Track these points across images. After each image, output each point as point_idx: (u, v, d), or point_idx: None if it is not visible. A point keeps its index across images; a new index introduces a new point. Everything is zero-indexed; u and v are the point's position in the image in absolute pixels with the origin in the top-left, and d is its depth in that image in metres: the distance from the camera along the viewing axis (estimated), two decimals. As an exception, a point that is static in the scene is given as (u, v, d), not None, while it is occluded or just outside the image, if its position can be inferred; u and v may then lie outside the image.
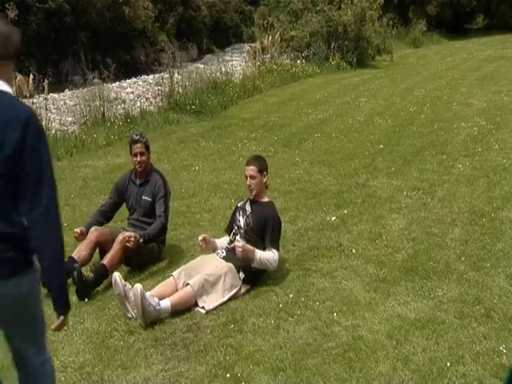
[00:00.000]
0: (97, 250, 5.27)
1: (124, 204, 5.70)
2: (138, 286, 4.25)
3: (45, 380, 2.94)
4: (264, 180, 4.99)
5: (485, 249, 5.26)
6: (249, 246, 4.68)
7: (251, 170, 4.96)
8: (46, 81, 11.56)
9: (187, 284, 4.53)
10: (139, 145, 5.44)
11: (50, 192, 2.57)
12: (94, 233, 5.17)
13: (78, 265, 4.88)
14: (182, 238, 5.88)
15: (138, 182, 5.56)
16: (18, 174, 2.51)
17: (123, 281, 4.38)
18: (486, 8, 36.12)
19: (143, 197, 5.49)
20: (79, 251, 5.07)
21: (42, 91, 11.52)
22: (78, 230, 5.27)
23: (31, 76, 11.18)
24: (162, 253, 5.51)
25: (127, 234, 5.10)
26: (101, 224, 5.48)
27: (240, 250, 4.60)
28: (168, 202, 5.54)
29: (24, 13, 23.10)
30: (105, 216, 5.59)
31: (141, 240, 5.12)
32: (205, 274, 4.60)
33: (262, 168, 4.98)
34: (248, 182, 5.00)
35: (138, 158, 5.44)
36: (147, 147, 5.49)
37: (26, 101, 10.98)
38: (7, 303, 2.67)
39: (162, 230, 5.43)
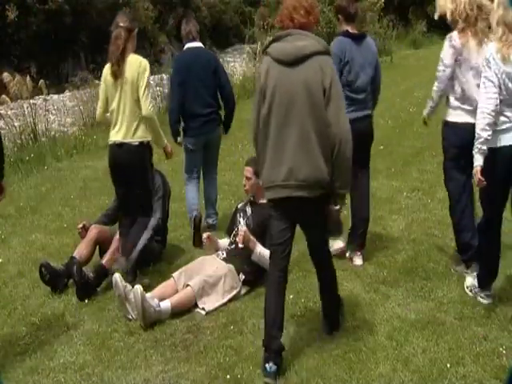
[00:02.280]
0: (96, 252, 5.28)
1: None
2: (139, 288, 4.24)
3: None
4: (260, 183, 4.96)
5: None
6: (251, 236, 4.67)
7: (247, 170, 4.97)
8: (40, 81, 11.50)
9: (187, 285, 4.53)
10: None
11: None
12: (93, 230, 5.20)
13: (77, 260, 4.90)
14: (182, 239, 5.88)
15: None
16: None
17: (124, 282, 4.38)
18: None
19: None
20: (80, 250, 5.09)
21: (41, 92, 11.52)
22: (80, 224, 5.35)
23: (28, 77, 11.14)
24: (162, 254, 5.51)
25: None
26: (104, 224, 5.51)
27: (242, 234, 4.60)
28: (166, 202, 5.56)
29: (24, 14, 23.08)
30: (109, 218, 5.63)
31: None
32: (205, 276, 4.60)
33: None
34: (243, 182, 5.03)
35: None
36: None
37: (25, 102, 11.00)
38: (218, 140, 6.08)
39: (155, 228, 5.42)
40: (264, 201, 5.08)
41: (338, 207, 3.76)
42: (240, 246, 4.66)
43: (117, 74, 4.73)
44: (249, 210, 5.03)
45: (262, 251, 4.71)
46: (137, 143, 4.82)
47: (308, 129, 3.53)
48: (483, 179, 3.86)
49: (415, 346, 3.86)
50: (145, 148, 4.89)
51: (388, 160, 8.24)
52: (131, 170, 4.88)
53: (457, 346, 3.82)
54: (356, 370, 3.64)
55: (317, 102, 3.51)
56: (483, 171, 3.88)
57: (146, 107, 4.74)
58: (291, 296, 4.61)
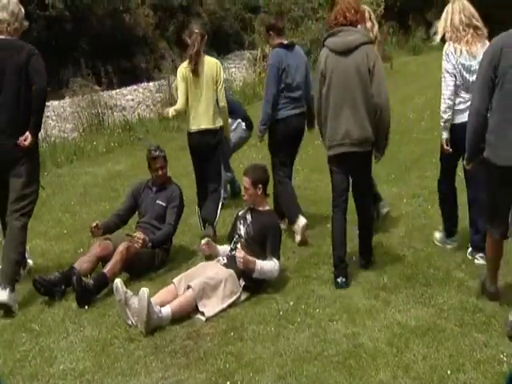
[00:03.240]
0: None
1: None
2: (146, 291, 4.22)
3: None
4: (258, 192, 4.98)
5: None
6: (249, 257, 4.67)
7: (245, 181, 4.98)
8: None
9: (188, 286, 4.51)
10: (158, 160, 5.62)
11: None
12: (97, 248, 5.19)
13: (77, 271, 4.89)
14: (182, 245, 5.88)
15: (154, 188, 5.71)
16: None
17: (124, 288, 4.38)
18: (487, 15, 36.16)
19: (157, 201, 5.62)
20: (80, 263, 5.07)
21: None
22: (94, 223, 5.34)
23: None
24: (165, 262, 5.51)
25: (137, 234, 5.16)
26: (116, 225, 5.60)
27: (241, 260, 4.60)
28: (180, 213, 5.67)
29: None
30: (121, 219, 5.69)
31: (149, 244, 5.20)
32: (206, 278, 4.59)
33: (256, 180, 4.97)
34: (242, 193, 5.05)
35: (160, 172, 5.63)
36: (165, 159, 5.68)
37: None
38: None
39: (168, 237, 5.53)
40: (265, 208, 5.10)
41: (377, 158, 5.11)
42: (240, 267, 4.66)
43: (198, 72, 5.75)
44: (249, 217, 5.03)
45: (262, 266, 4.71)
46: (218, 128, 5.91)
47: (358, 101, 4.73)
48: (449, 148, 5.22)
49: (416, 352, 3.85)
50: (222, 131, 5.98)
51: (388, 166, 8.22)
52: (214, 148, 5.95)
53: (457, 353, 3.81)
54: (356, 376, 3.63)
55: (364, 80, 4.72)
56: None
57: (224, 100, 5.88)
58: (291, 302, 4.61)
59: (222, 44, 35.71)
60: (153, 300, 4.41)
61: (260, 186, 4.97)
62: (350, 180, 5.04)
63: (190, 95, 5.82)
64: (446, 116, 5.12)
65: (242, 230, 5.00)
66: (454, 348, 3.87)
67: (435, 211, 6.42)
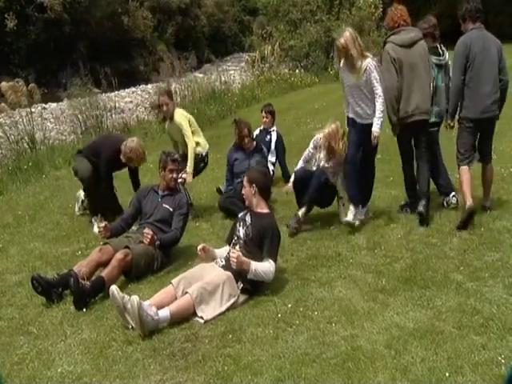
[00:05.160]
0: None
1: None
2: (135, 298, 4.23)
3: None
4: (252, 192, 5.02)
5: (483, 259, 5.26)
6: (244, 258, 4.67)
7: (244, 179, 5.11)
8: (31, 85, 11.35)
9: (185, 293, 4.52)
10: (176, 163, 5.79)
11: None
12: (98, 253, 5.19)
13: (75, 273, 4.88)
14: (181, 248, 5.87)
15: (160, 193, 5.79)
16: None
17: (121, 293, 4.36)
18: (484, 19, 36.16)
19: (164, 205, 5.69)
20: (80, 267, 5.07)
21: (33, 100, 11.52)
22: (102, 224, 5.41)
23: (20, 83, 11.07)
24: (164, 265, 5.52)
25: (146, 230, 5.26)
26: (122, 229, 5.65)
27: (235, 261, 4.60)
28: (186, 222, 5.77)
29: (23, 23, 23.15)
30: (126, 222, 5.74)
31: (157, 242, 5.28)
32: (203, 283, 4.59)
33: (252, 180, 5.04)
34: (242, 191, 5.14)
35: (173, 175, 5.78)
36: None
37: (23, 110, 11.01)
38: None
39: (175, 241, 5.62)
40: (264, 211, 5.10)
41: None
42: (234, 267, 4.66)
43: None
44: (248, 219, 5.04)
45: (256, 268, 4.70)
46: None
47: (423, 81, 6.18)
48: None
49: (414, 354, 3.85)
50: None
51: (386, 168, 8.24)
52: None
53: (455, 355, 3.81)
54: (355, 379, 3.63)
55: (426, 65, 6.21)
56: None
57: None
58: (290, 305, 4.60)
59: (220, 46, 35.75)
60: (151, 301, 4.41)
61: (254, 185, 5.01)
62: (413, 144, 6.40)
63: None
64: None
65: (241, 232, 5.00)
66: (452, 350, 3.87)
67: (433, 213, 6.44)
